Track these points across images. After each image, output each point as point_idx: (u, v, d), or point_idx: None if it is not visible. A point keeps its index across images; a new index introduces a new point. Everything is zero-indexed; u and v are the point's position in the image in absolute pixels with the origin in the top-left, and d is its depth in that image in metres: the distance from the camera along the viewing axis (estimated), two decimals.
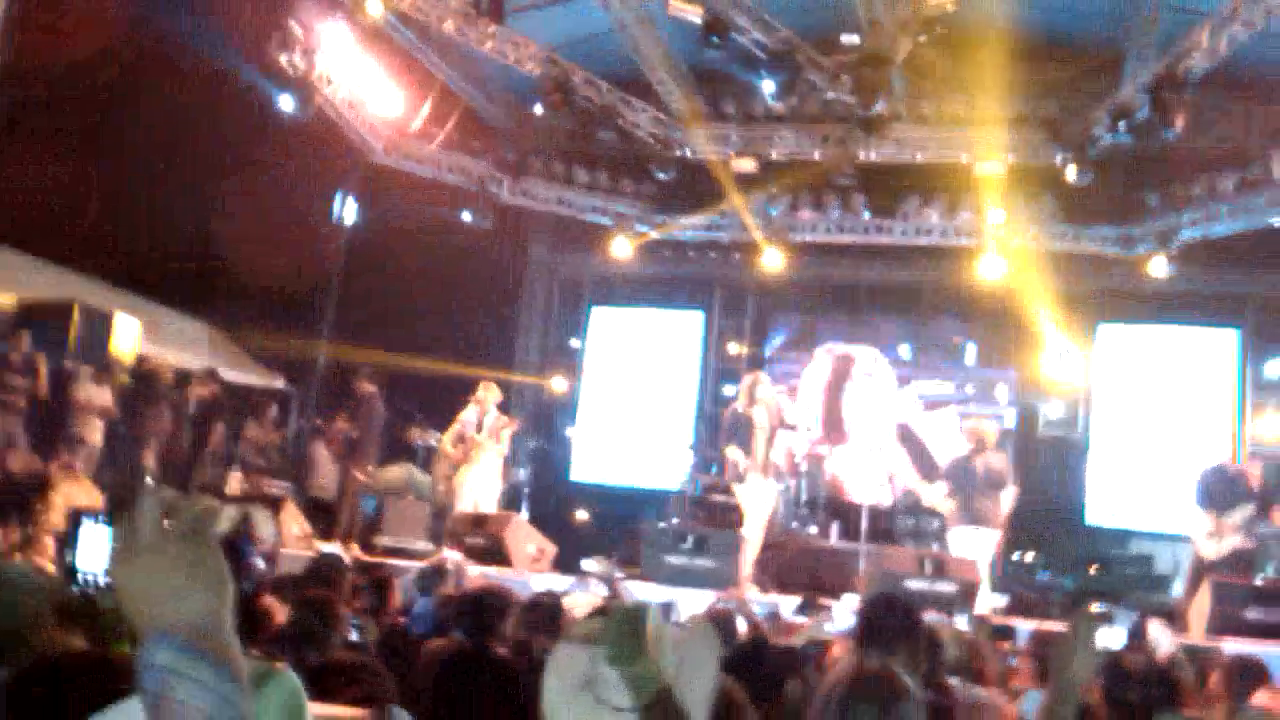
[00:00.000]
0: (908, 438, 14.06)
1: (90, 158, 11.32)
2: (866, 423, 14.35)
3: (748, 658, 3.86)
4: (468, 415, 11.25)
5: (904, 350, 14.83)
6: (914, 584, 8.15)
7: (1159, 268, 12.82)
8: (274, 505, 10.07)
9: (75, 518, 1.37)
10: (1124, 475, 13.75)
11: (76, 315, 11.01)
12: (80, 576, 1.26)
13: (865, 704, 2.01)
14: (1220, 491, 9.20)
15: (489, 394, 11.29)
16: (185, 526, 1.09)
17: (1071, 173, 11.95)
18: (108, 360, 11.04)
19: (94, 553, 1.27)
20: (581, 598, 6.20)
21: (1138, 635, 5.85)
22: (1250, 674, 4.56)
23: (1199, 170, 12.44)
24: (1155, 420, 13.75)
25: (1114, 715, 3.19)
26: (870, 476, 13.75)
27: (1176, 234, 12.67)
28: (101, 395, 10.58)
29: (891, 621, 3.41)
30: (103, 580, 1.19)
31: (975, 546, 9.16)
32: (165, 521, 1.08)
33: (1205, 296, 13.81)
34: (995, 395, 14.20)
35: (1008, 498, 9.37)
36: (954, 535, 9.52)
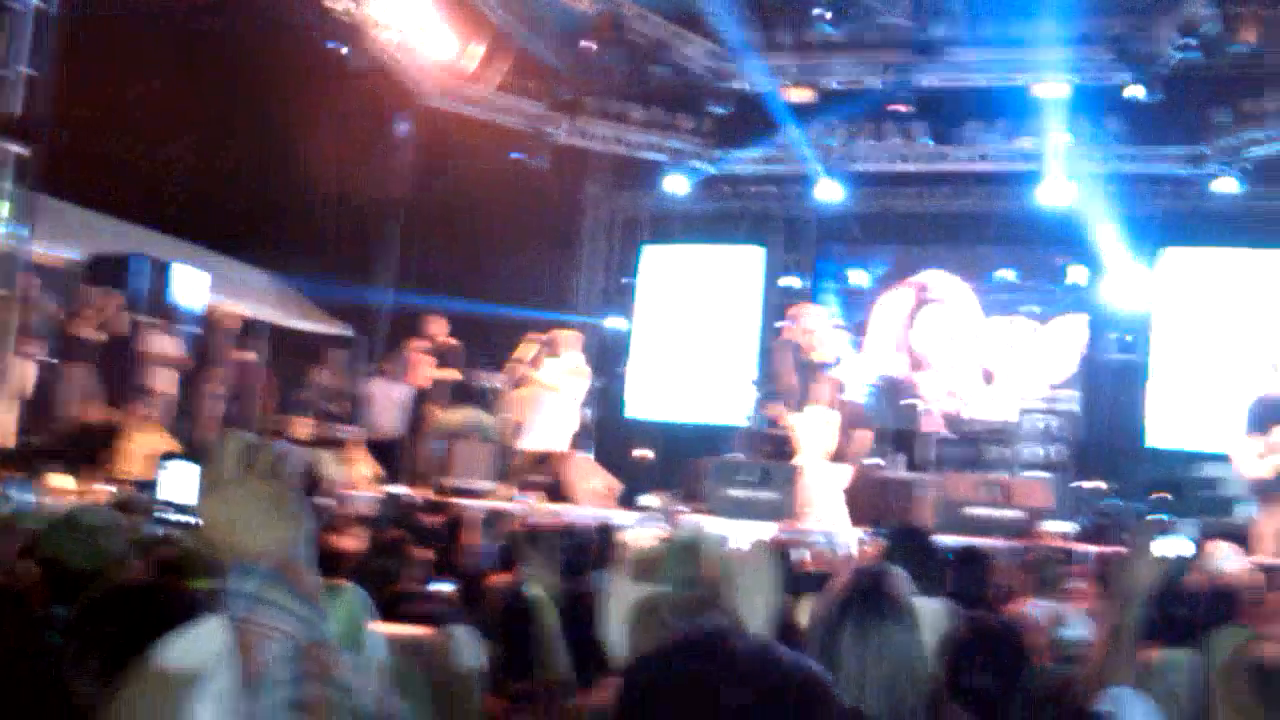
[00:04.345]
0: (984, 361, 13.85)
1: (152, 111, 11.47)
2: (940, 350, 14.20)
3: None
4: (526, 356, 11.37)
5: (1008, 274, 14.51)
6: (976, 510, 8.15)
7: (1227, 186, 12.55)
8: (342, 449, 10.28)
9: (160, 458, 1.45)
10: (1188, 399, 13.55)
11: (143, 268, 11.23)
12: (165, 514, 1.33)
13: (857, 609, 2.04)
14: (1266, 415, 9.19)
15: (565, 340, 11.41)
16: (264, 466, 1.16)
17: (1137, 92, 11.69)
18: (175, 312, 11.28)
19: (179, 491, 1.34)
20: (642, 532, 6.29)
21: (1198, 555, 5.83)
22: None
23: (1270, 85, 12.09)
24: (1221, 344, 13.50)
25: (1167, 631, 3.21)
26: (940, 404, 13.65)
27: (1246, 151, 12.37)
28: (171, 346, 10.83)
29: (909, 550, 3.45)
30: (186, 518, 1.26)
31: None
32: (246, 461, 1.16)
33: (1275, 216, 13.49)
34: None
35: None
36: None
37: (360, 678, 1.10)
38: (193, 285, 11.70)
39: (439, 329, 11.92)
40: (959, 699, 2.33)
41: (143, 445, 8.47)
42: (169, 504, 1.37)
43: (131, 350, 10.50)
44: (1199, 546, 6.10)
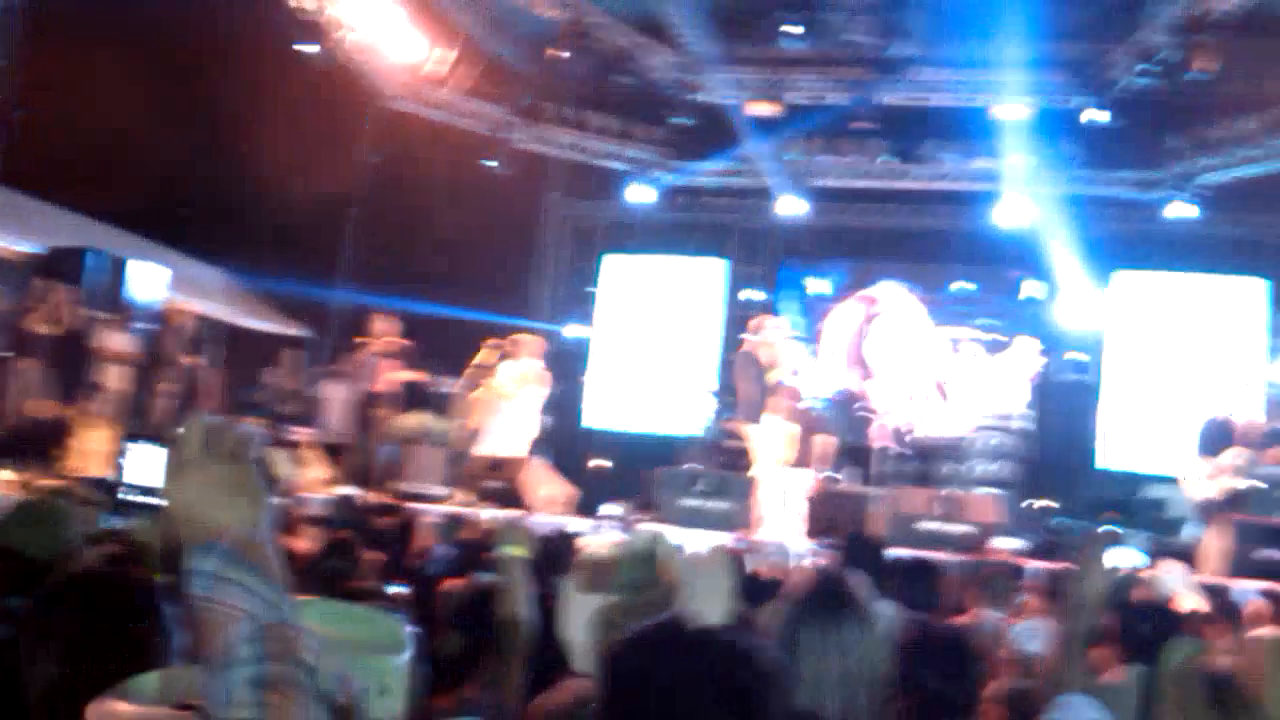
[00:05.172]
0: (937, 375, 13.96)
1: (109, 103, 11.34)
2: (891, 364, 14.30)
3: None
4: (485, 362, 11.32)
5: (965, 286, 14.66)
6: (928, 525, 8.22)
7: (1179, 211, 12.77)
8: (295, 450, 10.18)
9: (124, 439, 1.44)
10: (1138, 421, 13.76)
11: (99, 263, 11.06)
12: (127, 497, 1.32)
13: (815, 610, 2.07)
14: (1216, 438, 9.42)
15: (524, 346, 11.36)
16: (228, 448, 1.16)
17: (1092, 115, 11.88)
18: (130, 308, 11.12)
19: (141, 474, 1.33)
20: (597, 539, 6.28)
21: (1146, 573, 5.92)
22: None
23: (1222, 113, 12.33)
24: (1171, 367, 13.72)
25: (1126, 647, 3.26)
26: (892, 417, 13.73)
27: (1197, 177, 12.60)
28: (122, 342, 10.68)
29: (862, 559, 3.50)
30: (149, 501, 1.25)
31: None
32: (210, 443, 1.15)
33: (1230, 243, 13.75)
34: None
35: None
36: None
37: (323, 658, 1.09)
38: (149, 281, 11.55)
39: (388, 328, 11.80)
40: (909, 700, 2.35)
41: (94, 442, 8.36)
42: (132, 486, 1.36)
43: (84, 346, 10.35)
44: (1146, 564, 6.21)
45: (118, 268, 11.19)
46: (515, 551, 3.52)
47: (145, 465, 1.38)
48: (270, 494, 1.17)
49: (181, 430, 1.17)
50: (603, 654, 1.38)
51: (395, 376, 11.67)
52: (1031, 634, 4.31)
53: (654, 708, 1.31)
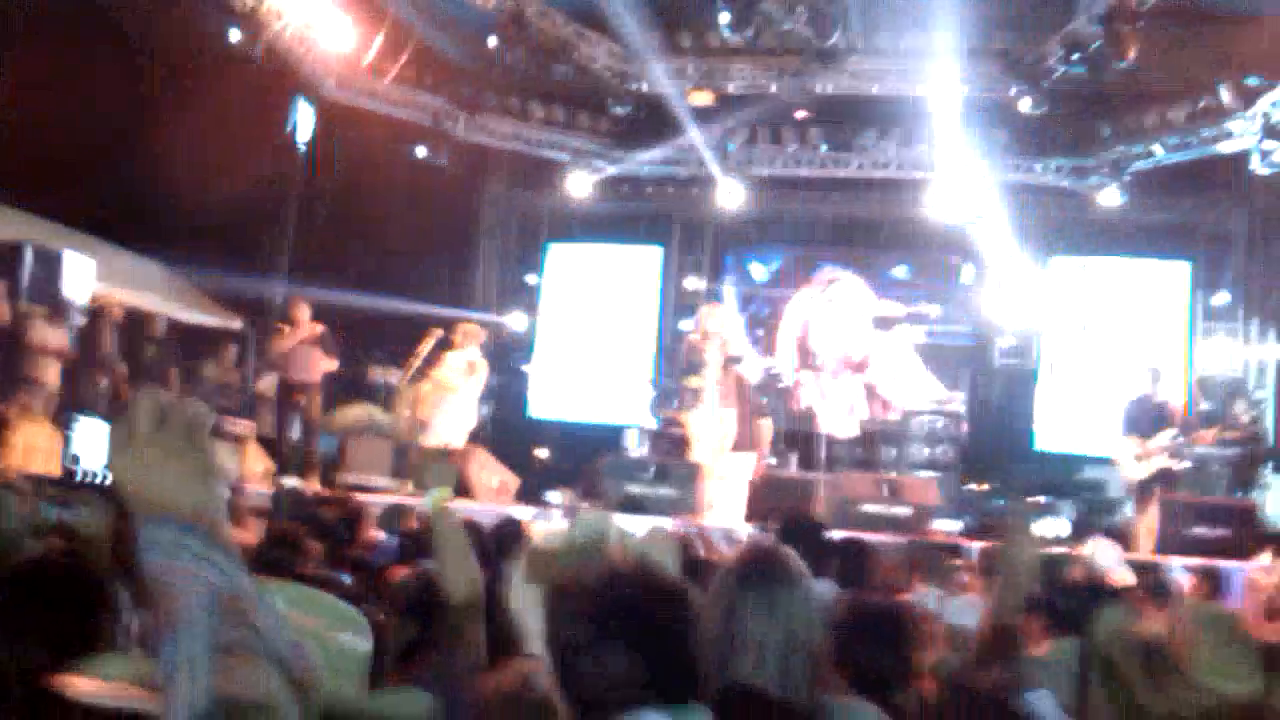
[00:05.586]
0: (879, 363, 14.15)
1: (38, 93, 11.12)
2: (832, 350, 14.47)
3: None
4: (427, 353, 11.29)
5: (900, 271, 14.87)
6: (869, 507, 8.34)
7: (1110, 198, 13.04)
8: (234, 442, 10.08)
9: (72, 415, 1.45)
10: (1074, 403, 14.04)
11: (28, 256, 10.88)
12: (78, 473, 1.33)
13: (756, 578, 2.14)
14: (1144, 419, 9.68)
15: (464, 335, 11.32)
16: (178, 423, 1.17)
17: (1025, 104, 12.09)
18: (61, 301, 10.94)
19: (91, 450, 1.35)
20: (543, 526, 6.31)
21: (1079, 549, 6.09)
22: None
23: (1151, 102, 12.59)
24: (1105, 349, 14.02)
25: (1056, 621, 3.35)
26: (835, 405, 13.90)
27: (1128, 164, 12.87)
28: (56, 337, 10.51)
29: (799, 537, 3.57)
30: (99, 477, 1.26)
31: None
32: (160, 418, 1.17)
33: (1157, 228, 14.09)
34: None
35: None
36: None
37: (278, 626, 1.12)
38: (82, 275, 11.37)
39: (303, 313, 11.44)
40: (844, 672, 2.41)
41: (27, 437, 8.23)
42: (77, 459, 1.37)
43: (16, 341, 10.18)
44: (1080, 542, 6.37)
45: (51, 261, 11.01)
46: (440, 495, 3.51)
47: (91, 443, 1.39)
48: (220, 468, 1.18)
49: (131, 406, 1.18)
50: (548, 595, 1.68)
51: (320, 365, 11.42)
52: (967, 609, 4.41)
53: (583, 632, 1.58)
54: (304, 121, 13.70)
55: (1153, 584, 5.49)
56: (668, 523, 7.88)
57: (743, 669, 1.95)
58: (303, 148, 13.85)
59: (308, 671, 1.15)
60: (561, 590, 1.71)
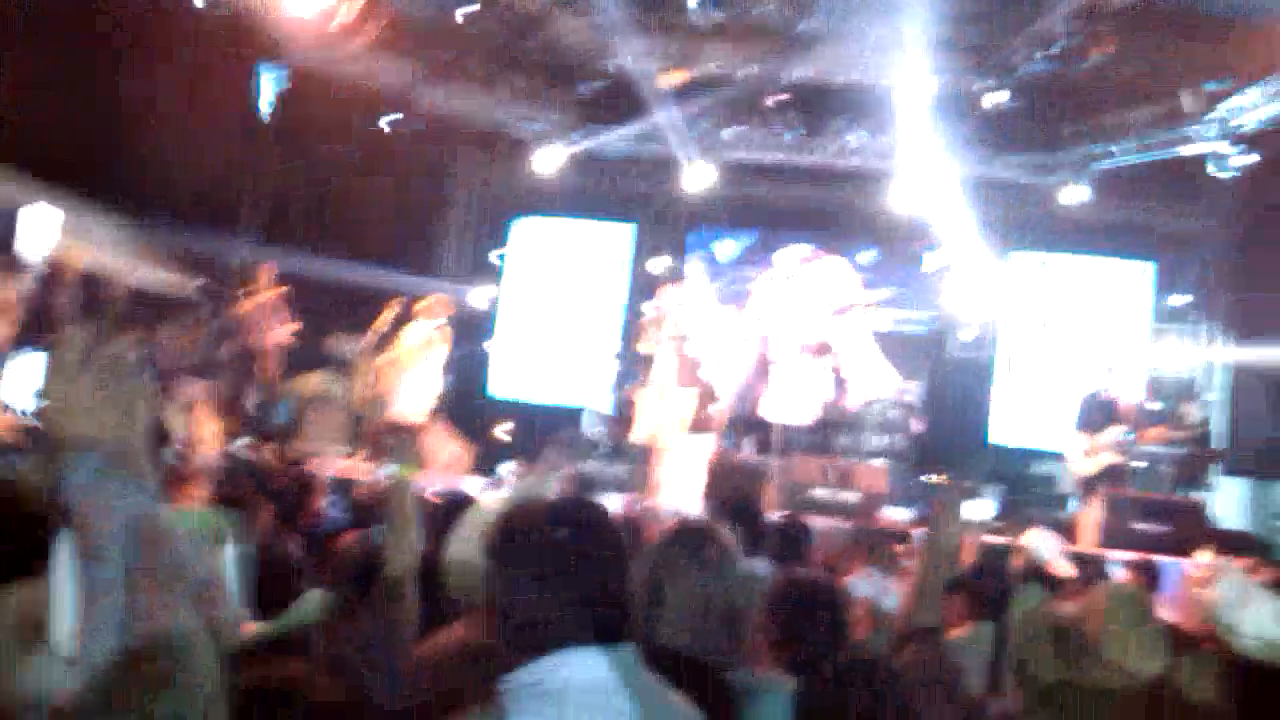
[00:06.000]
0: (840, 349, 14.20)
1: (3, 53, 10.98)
2: (792, 334, 14.51)
3: None
4: (389, 323, 11.27)
5: (865, 257, 14.90)
6: (818, 492, 8.43)
7: (1073, 196, 13.18)
8: (189, 406, 10.02)
9: (10, 349, 1.47)
10: (1030, 398, 14.21)
11: None
12: (10, 408, 1.35)
13: (680, 547, 2.20)
14: (1095, 415, 9.85)
15: (428, 307, 11.32)
16: (106, 358, 1.20)
17: (991, 99, 12.18)
18: (15, 256, 10.82)
19: (22, 386, 1.37)
20: (489, 495, 6.34)
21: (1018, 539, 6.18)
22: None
23: (1117, 102, 12.71)
24: (1063, 346, 14.19)
25: (973, 604, 3.42)
26: (793, 390, 13.93)
27: (1091, 163, 13.00)
28: (7, 291, 10.38)
29: (736, 516, 3.63)
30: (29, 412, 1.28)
31: None
32: (89, 352, 1.20)
33: (1120, 228, 14.23)
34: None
35: None
36: None
37: (193, 552, 1.15)
38: (40, 229, 11.24)
39: (264, 278, 11.50)
40: (767, 638, 2.46)
41: None
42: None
43: None
44: (1020, 533, 6.47)
45: (7, 215, 10.88)
46: (404, 470, 3.56)
47: (29, 372, 1.41)
48: (145, 402, 1.22)
49: (58, 344, 1.22)
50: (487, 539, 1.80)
51: (279, 330, 11.43)
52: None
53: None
54: (269, 87, 13.57)
55: (1092, 575, 5.60)
56: (617, 501, 7.94)
57: (662, 631, 2.00)
58: (267, 113, 13.72)
59: (221, 601, 1.18)
60: (499, 529, 1.76)
